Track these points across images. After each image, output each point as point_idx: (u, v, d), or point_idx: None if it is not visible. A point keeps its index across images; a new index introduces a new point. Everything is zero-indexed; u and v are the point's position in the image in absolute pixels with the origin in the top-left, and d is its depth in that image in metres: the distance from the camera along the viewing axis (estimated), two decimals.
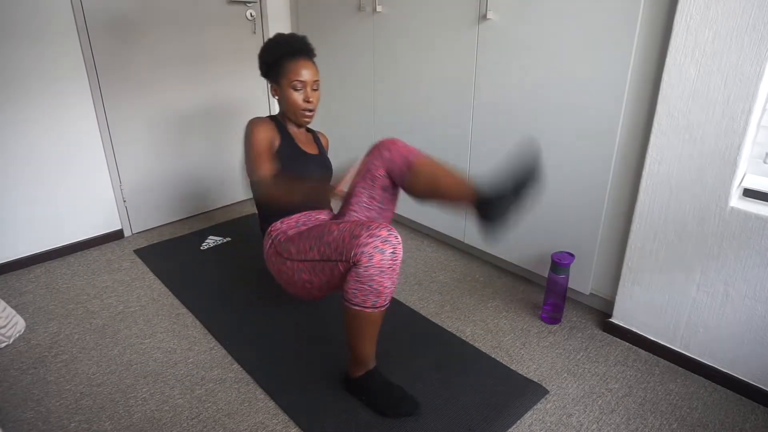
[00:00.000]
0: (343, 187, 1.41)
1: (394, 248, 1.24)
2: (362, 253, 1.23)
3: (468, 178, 1.44)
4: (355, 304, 1.27)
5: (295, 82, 1.57)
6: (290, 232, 1.55)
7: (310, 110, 1.61)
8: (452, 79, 1.99)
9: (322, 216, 1.66)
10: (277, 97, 1.65)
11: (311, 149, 1.71)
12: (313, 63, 1.62)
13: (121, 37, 2.19)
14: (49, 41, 1.99)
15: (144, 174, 2.42)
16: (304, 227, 1.57)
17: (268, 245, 1.60)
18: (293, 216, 1.62)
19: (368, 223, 1.28)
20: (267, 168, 1.51)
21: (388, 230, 1.26)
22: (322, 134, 1.88)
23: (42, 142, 2.07)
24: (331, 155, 2.76)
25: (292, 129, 1.69)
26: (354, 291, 1.26)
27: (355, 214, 1.59)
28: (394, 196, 1.62)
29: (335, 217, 1.67)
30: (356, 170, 1.63)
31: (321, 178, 1.67)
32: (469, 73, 1.91)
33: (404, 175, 1.51)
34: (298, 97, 1.59)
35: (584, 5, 1.52)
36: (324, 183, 1.60)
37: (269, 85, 1.65)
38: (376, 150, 1.55)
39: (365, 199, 1.58)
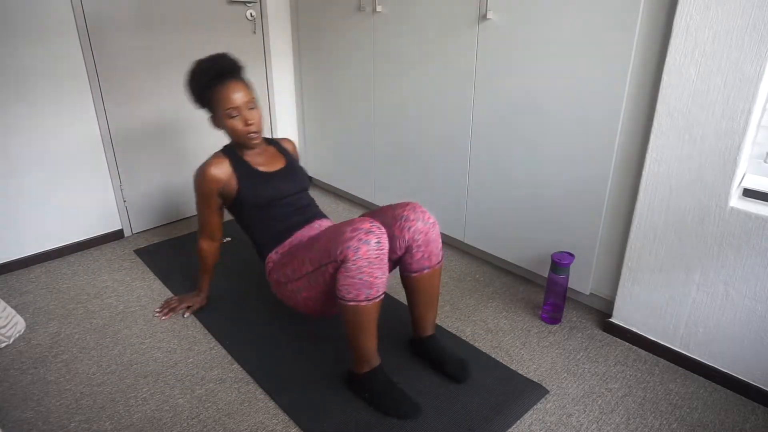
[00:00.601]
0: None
1: (378, 238, 1.26)
2: (348, 247, 1.24)
3: (432, 320, 1.55)
4: (349, 300, 1.28)
5: (229, 110, 1.52)
6: (285, 260, 1.52)
7: (255, 132, 1.56)
8: (452, 79, 1.99)
9: (313, 234, 1.60)
10: (219, 128, 1.60)
11: (275, 165, 1.66)
12: (242, 81, 1.57)
13: (122, 37, 2.19)
14: (49, 42, 1.99)
15: (144, 174, 2.42)
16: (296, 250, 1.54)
17: (269, 275, 1.59)
18: (284, 244, 1.59)
19: (350, 221, 1.30)
20: (203, 240, 1.72)
21: (371, 222, 1.28)
22: (287, 140, 1.82)
23: (42, 142, 2.07)
24: (331, 154, 2.78)
25: (249, 154, 1.64)
26: (346, 287, 1.27)
27: None
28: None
29: None
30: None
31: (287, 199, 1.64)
32: (469, 73, 1.91)
33: (410, 270, 1.46)
34: (237, 124, 1.54)
35: (584, 5, 1.52)
36: (199, 293, 1.83)
37: (209, 117, 1.61)
38: (409, 230, 1.41)
39: None
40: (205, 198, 1.61)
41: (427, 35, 2.03)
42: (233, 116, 1.54)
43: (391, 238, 1.41)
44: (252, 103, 1.56)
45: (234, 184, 1.58)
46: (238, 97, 1.52)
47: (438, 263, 1.47)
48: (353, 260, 1.24)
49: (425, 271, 1.46)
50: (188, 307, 1.81)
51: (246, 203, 1.59)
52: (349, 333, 1.35)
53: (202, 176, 1.58)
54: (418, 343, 1.57)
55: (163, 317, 1.79)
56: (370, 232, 1.25)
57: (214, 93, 1.54)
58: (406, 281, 1.50)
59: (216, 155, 1.61)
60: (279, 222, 1.60)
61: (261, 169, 1.62)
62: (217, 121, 1.59)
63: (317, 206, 1.73)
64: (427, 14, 2.00)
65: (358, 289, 1.26)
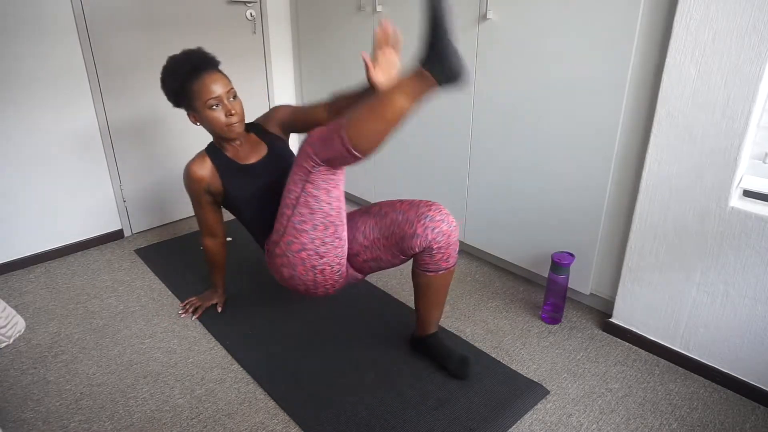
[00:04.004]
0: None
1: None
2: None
3: (437, 318, 1.57)
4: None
5: (209, 101, 1.46)
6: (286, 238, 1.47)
7: (237, 122, 1.50)
8: None
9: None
10: (198, 123, 1.55)
11: (257, 154, 1.61)
12: (221, 73, 1.51)
13: (121, 37, 2.19)
14: (49, 41, 1.99)
15: (144, 174, 2.42)
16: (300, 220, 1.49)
17: (268, 259, 1.54)
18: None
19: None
20: (205, 238, 1.72)
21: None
22: (275, 109, 1.70)
23: (42, 141, 2.07)
24: None
25: (230, 148, 1.60)
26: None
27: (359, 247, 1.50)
28: (404, 260, 1.48)
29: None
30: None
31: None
32: (469, 73, 1.91)
33: (427, 269, 1.43)
34: (218, 115, 1.48)
35: (584, 5, 1.52)
36: (216, 289, 1.83)
37: (187, 114, 1.55)
38: (433, 230, 1.36)
39: (380, 255, 1.48)
40: (195, 197, 1.61)
41: None
42: (214, 107, 1.48)
43: (411, 237, 1.37)
44: (233, 93, 1.51)
45: (218, 182, 1.57)
46: (218, 86, 1.47)
47: (454, 265, 1.46)
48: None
49: (441, 272, 1.44)
50: (214, 305, 1.83)
51: (235, 199, 1.58)
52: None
53: (186, 176, 1.58)
54: (420, 342, 1.58)
55: (195, 317, 1.79)
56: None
57: (192, 86, 1.47)
58: (419, 278, 1.46)
59: (198, 154, 1.59)
60: (273, 211, 1.54)
61: (243, 162, 1.59)
62: (197, 115, 1.52)
63: None
64: None
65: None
